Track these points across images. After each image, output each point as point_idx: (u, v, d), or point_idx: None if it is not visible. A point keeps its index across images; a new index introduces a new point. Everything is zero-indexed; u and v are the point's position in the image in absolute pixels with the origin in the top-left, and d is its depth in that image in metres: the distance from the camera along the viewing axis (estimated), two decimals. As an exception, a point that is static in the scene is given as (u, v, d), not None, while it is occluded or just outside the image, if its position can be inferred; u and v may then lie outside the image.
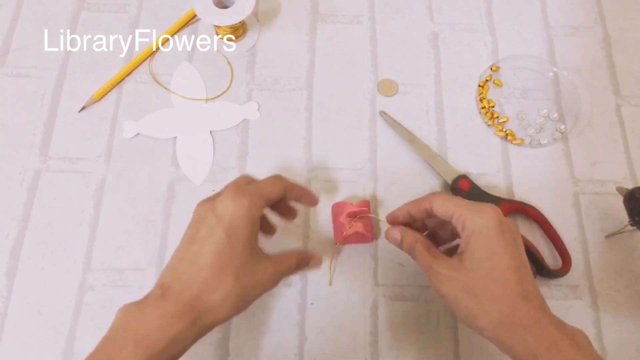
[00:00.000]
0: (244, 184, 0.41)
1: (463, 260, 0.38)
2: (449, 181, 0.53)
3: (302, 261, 0.43)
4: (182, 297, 0.36)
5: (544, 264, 0.49)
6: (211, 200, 0.40)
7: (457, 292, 0.37)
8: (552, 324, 0.36)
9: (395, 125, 0.56)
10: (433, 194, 0.41)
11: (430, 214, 0.41)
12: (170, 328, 0.35)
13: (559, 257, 0.50)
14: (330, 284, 0.49)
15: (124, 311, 0.37)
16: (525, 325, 0.35)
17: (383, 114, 0.56)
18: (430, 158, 0.54)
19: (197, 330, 0.36)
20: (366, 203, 0.50)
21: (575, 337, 0.35)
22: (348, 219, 0.49)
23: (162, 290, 0.37)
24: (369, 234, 0.49)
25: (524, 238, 0.49)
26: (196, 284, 0.37)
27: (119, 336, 0.35)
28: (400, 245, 0.43)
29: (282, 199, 0.42)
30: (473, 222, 0.38)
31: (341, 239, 0.49)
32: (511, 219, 0.39)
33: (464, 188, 0.52)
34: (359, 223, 0.48)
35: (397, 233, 0.43)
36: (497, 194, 0.52)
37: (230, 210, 0.38)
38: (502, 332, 0.36)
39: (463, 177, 0.53)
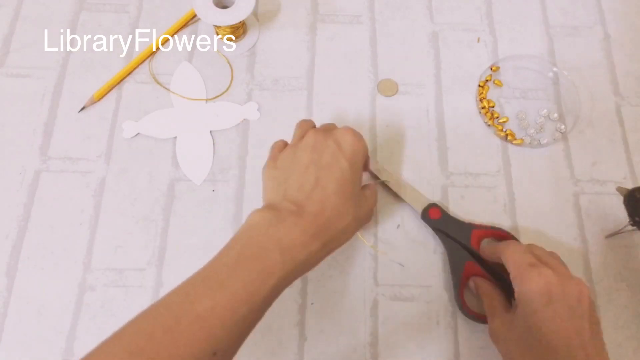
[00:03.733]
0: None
1: (512, 323, 0.40)
2: (419, 211, 0.51)
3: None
4: (317, 219, 0.38)
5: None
6: (327, 131, 0.43)
7: (501, 348, 0.41)
8: None
9: None
10: (506, 244, 0.44)
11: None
12: (309, 246, 0.37)
13: None
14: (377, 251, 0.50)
15: (261, 216, 0.38)
16: None
17: None
18: (399, 188, 0.52)
19: (326, 251, 0.39)
20: None
21: None
22: None
23: (297, 208, 0.39)
24: None
25: (497, 263, 0.46)
26: (328, 209, 0.39)
27: (263, 240, 0.36)
28: (477, 293, 0.47)
29: None
30: (521, 289, 0.39)
31: None
32: (575, 282, 0.38)
33: (434, 217, 0.50)
34: None
35: (472, 283, 0.48)
36: (471, 219, 0.51)
37: (351, 142, 0.41)
38: None
39: (433, 206, 0.51)
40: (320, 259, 0.39)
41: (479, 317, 0.47)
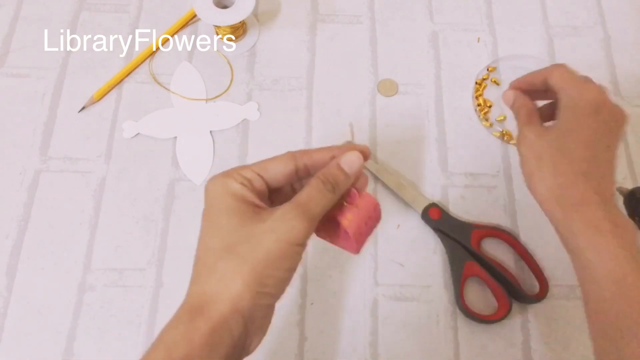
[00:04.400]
0: None
1: (549, 130, 0.39)
2: (419, 211, 0.51)
3: (336, 182, 0.33)
4: (189, 299, 0.31)
5: (521, 289, 0.48)
6: None
7: (529, 153, 0.39)
8: (602, 209, 0.35)
9: None
10: (556, 65, 0.41)
11: (547, 85, 0.41)
12: (173, 329, 0.30)
13: (536, 283, 0.49)
14: None
15: None
16: (573, 201, 0.36)
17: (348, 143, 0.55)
18: (398, 188, 0.52)
19: (203, 326, 0.29)
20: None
21: (619, 224, 0.35)
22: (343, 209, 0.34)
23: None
24: (355, 234, 0.33)
25: (497, 263, 0.49)
26: (195, 279, 0.31)
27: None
28: (511, 107, 0.44)
29: (300, 176, 0.35)
30: (571, 97, 0.38)
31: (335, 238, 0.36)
32: (621, 109, 0.39)
33: (434, 217, 0.50)
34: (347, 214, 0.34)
35: (511, 95, 0.44)
36: (471, 219, 0.51)
37: (206, 191, 0.33)
38: (551, 201, 0.37)
39: (433, 206, 0.51)
40: (207, 334, 0.29)
41: (479, 317, 0.47)
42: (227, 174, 0.33)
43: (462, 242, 0.49)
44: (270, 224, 0.30)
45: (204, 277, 0.30)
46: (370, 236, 0.35)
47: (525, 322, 0.48)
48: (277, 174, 0.34)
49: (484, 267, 0.48)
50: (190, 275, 0.32)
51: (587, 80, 0.40)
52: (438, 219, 0.50)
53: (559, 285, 0.49)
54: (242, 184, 0.32)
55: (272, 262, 0.30)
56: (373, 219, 0.35)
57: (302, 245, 0.31)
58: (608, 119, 0.38)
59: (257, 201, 0.32)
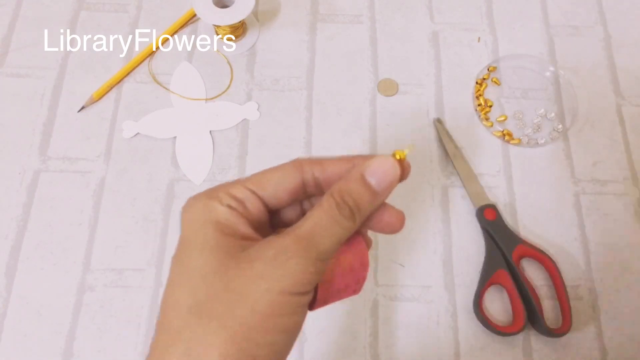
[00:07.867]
0: None
1: None
2: (476, 206, 0.51)
3: (357, 205, 0.24)
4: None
5: (542, 318, 0.46)
6: None
7: None
8: None
9: (444, 137, 0.54)
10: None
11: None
12: None
13: (560, 315, 0.47)
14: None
15: None
16: None
17: (437, 122, 0.55)
18: (467, 179, 0.53)
19: None
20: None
21: None
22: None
23: None
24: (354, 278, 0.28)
25: (530, 285, 0.47)
26: (154, 348, 0.23)
27: None
28: None
29: (309, 193, 0.27)
30: None
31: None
32: None
33: (489, 218, 0.50)
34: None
35: None
36: (518, 231, 0.51)
37: (181, 219, 0.26)
38: None
39: (491, 207, 0.51)
40: None
41: (490, 324, 0.46)
42: (210, 194, 0.25)
43: (504, 251, 0.49)
44: (259, 267, 0.22)
45: (165, 348, 0.22)
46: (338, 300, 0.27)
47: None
48: (279, 190, 0.25)
49: (516, 281, 0.48)
50: (152, 337, 0.24)
51: None
52: (492, 220, 0.50)
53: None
54: (229, 207, 0.24)
55: (260, 323, 0.21)
56: (354, 283, 0.26)
57: (306, 294, 0.23)
58: None
59: (248, 231, 0.24)
